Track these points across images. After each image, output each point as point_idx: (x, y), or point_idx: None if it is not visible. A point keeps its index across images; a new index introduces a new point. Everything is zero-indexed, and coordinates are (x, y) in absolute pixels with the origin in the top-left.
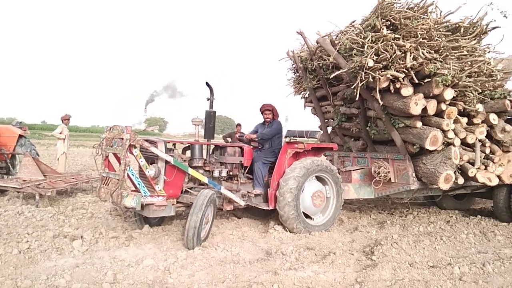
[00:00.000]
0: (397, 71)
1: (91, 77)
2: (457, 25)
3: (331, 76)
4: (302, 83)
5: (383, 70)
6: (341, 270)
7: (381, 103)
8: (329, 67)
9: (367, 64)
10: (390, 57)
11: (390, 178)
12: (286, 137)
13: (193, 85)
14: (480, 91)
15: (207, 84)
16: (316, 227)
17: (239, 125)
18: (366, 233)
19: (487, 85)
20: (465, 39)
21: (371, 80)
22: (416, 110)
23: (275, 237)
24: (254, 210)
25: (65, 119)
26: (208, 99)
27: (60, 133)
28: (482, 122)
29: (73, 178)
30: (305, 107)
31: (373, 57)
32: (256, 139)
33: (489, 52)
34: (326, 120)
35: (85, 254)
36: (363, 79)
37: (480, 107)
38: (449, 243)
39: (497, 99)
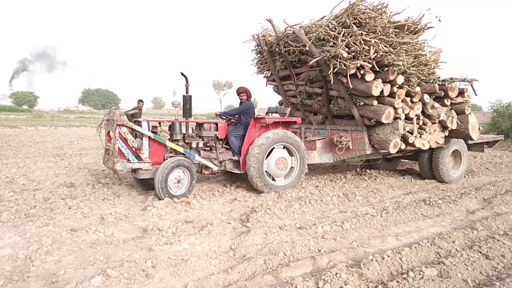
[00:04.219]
0: (364, 61)
1: None
2: (403, 24)
3: (310, 63)
4: (265, 63)
5: (352, 59)
6: (217, 239)
7: (351, 86)
8: (294, 52)
9: (342, 54)
10: (359, 50)
11: (349, 146)
12: (267, 113)
13: (78, 53)
14: (420, 77)
15: (182, 74)
16: (280, 187)
17: (141, 101)
18: (244, 202)
19: (424, 72)
20: (409, 36)
21: (344, 67)
22: (376, 92)
23: (153, 214)
24: (243, 176)
25: None
26: (185, 86)
27: None
28: (419, 100)
29: None
30: (267, 85)
31: (345, 48)
32: (220, 115)
33: (425, 46)
34: (287, 97)
35: None
36: (337, 66)
37: (418, 89)
38: (316, 205)
39: (430, 83)
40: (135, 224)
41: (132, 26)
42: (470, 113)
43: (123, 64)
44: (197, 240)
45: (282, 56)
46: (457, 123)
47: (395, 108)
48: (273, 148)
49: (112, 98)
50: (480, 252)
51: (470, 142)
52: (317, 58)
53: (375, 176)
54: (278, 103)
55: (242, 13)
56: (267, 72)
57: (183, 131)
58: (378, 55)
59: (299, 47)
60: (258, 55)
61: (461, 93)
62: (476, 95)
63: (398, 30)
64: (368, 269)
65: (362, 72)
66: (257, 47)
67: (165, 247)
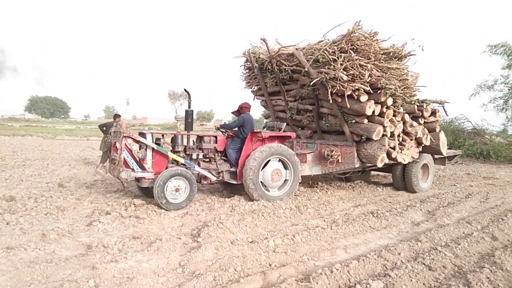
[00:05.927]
0: (361, 84)
1: None
2: (390, 51)
3: (311, 83)
4: (254, 79)
5: (350, 82)
6: (166, 255)
7: (348, 106)
8: (286, 70)
9: (341, 77)
10: (356, 73)
11: (339, 159)
12: (264, 127)
13: (29, 59)
14: (405, 99)
15: (185, 90)
16: (275, 197)
17: (118, 115)
18: (196, 216)
19: (407, 95)
20: (395, 62)
21: (342, 89)
22: (369, 111)
23: (99, 230)
24: (238, 186)
25: None
26: (188, 101)
27: None
28: (401, 119)
29: None
30: (254, 99)
31: (343, 72)
32: (219, 128)
33: (408, 71)
34: (275, 112)
35: None
36: (336, 87)
37: (401, 109)
38: (269, 218)
39: (410, 104)
40: (78, 240)
41: (85, 33)
42: (440, 131)
43: (74, 71)
44: (144, 257)
45: (273, 73)
46: (431, 139)
47: (384, 127)
48: (269, 160)
49: (62, 106)
50: (424, 264)
51: (436, 156)
52: (315, 80)
53: (326, 188)
54: (264, 116)
55: (198, 24)
56: (255, 86)
57: (185, 143)
58: (372, 79)
59: (291, 66)
60: (247, 71)
61: (433, 113)
62: (447, 115)
63: (385, 56)
64: (317, 283)
65: (357, 93)
66: (247, 63)
67: (109, 265)
